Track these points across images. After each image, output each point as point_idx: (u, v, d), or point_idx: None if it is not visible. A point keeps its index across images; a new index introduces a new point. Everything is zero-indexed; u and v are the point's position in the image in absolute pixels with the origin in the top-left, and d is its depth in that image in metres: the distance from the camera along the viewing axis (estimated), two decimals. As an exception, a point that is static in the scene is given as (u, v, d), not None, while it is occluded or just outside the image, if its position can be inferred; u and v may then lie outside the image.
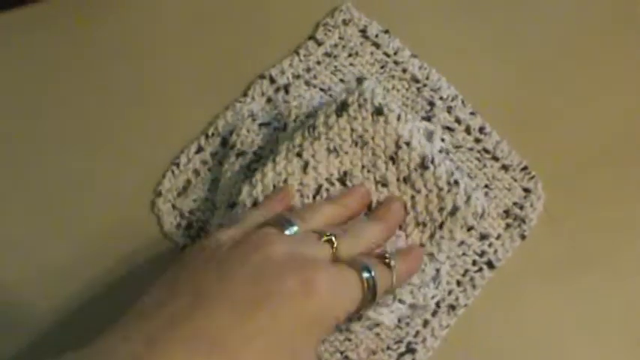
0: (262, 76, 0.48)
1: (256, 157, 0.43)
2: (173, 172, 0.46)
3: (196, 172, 0.46)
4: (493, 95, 0.48)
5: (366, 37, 0.49)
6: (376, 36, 0.49)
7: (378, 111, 0.39)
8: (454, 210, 0.39)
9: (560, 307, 0.43)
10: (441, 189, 0.39)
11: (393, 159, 0.39)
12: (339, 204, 0.38)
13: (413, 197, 0.39)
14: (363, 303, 0.34)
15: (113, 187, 0.46)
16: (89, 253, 0.44)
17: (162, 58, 0.50)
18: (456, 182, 0.39)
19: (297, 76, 0.48)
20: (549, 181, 0.45)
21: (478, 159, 0.46)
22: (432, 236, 0.40)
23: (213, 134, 0.46)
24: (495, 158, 0.46)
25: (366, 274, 0.34)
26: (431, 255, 0.40)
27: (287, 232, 0.34)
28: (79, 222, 0.45)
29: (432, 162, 0.39)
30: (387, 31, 0.49)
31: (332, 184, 0.39)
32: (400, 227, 0.40)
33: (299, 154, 0.39)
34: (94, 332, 0.41)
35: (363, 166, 0.40)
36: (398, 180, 0.39)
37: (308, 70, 0.48)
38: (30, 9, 0.51)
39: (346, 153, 0.39)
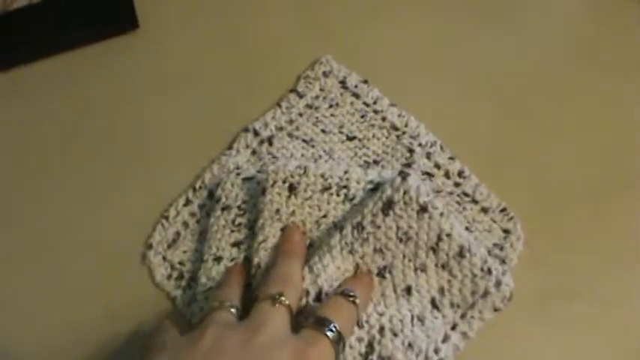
0: (246, 130, 0.50)
1: (241, 212, 0.44)
2: (163, 224, 0.47)
3: (185, 225, 0.47)
4: (471, 138, 0.50)
5: (346, 88, 0.51)
6: (355, 86, 0.51)
7: (423, 209, 0.40)
8: (485, 294, 0.41)
9: (545, 341, 0.43)
10: (475, 275, 0.41)
11: (434, 249, 0.41)
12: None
13: (449, 281, 0.41)
14: (336, 356, 0.37)
15: (105, 241, 0.47)
16: (81, 307, 0.45)
17: (149, 114, 0.51)
18: (489, 270, 0.41)
19: (280, 129, 0.49)
20: (529, 217, 0.47)
21: (458, 202, 0.47)
22: (463, 316, 0.42)
23: (200, 187, 0.48)
24: (475, 201, 0.47)
25: (331, 334, 0.36)
26: (464, 333, 0.42)
27: (233, 311, 0.38)
28: (71, 277, 0.46)
29: (469, 251, 0.41)
30: (366, 82, 0.51)
31: None
32: (436, 307, 0.41)
33: (351, 253, 0.41)
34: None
35: (404, 257, 0.41)
36: (436, 266, 0.41)
37: (290, 122, 0.50)
38: (18, 70, 0.53)
39: (389, 250, 0.41)
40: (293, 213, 0.42)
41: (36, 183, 0.49)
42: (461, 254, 0.41)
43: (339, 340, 0.36)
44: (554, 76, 0.52)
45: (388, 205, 0.40)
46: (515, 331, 0.44)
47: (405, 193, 0.40)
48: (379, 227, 0.40)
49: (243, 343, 0.34)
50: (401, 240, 0.41)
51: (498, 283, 0.41)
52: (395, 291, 0.41)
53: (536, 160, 0.49)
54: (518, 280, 0.43)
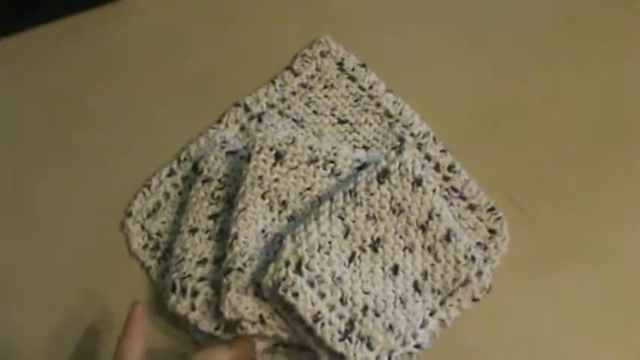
0: (237, 104, 0.49)
1: (221, 185, 0.44)
2: (144, 193, 0.47)
3: (167, 195, 0.46)
4: (464, 98, 0.50)
5: (343, 70, 0.50)
6: (352, 69, 0.50)
7: (418, 181, 0.40)
8: (466, 282, 0.41)
9: (536, 300, 0.43)
10: (458, 262, 0.41)
11: (424, 228, 0.41)
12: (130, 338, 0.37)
13: (433, 265, 0.41)
14: None
15: (85, 207, 0.47)
16: (56, 268, 0.45)
17: (138, 84, 0.51)
18: (473, 258, 0.41)
19: (272, 106, 0.49)
20: (521, 178, 0.47)
21: (445, 197, 0.46)
22: (442, 303, 0.41)
23: (185, 159, 0.47)
24: (463, 197, 0.46)
25: None
26: (442, 321, 0.41)
27: None
28: (48, 236, 0.46)
29: (455, 236, 0.41)
30: (363, 65, 0.50)
31: (364, 250, 0.40)
32: (418, 291, 0.40)
33: (341, 217, 0.40)
34: (60, 344, 0.41)
35: (395, 232, 0.41)
36: (423, 247, 0.41)
37: (283, 100, 0.49)
38: (11, 40, 0.53)
39: (382, 220, 0.40)
40: (276, 180, 0.42)
41: (22, 150, 0.49)
42: (447, 238, 0.40)
43: None
44: (548, 39, 0.52)
45: (383, 174, 0.40)
46: (507, 291, 0.43)
47: (400, 165, 0.40)
48: (373, 194, 0.40)
49: None
50: (394, 211, 0.40)
51: (479, 273, 0.41)
52: (383, 269, 0.40)
53: (528, 122, 0.49)
54: (510, 241, 0.44)
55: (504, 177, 0.47)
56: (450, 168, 0.46)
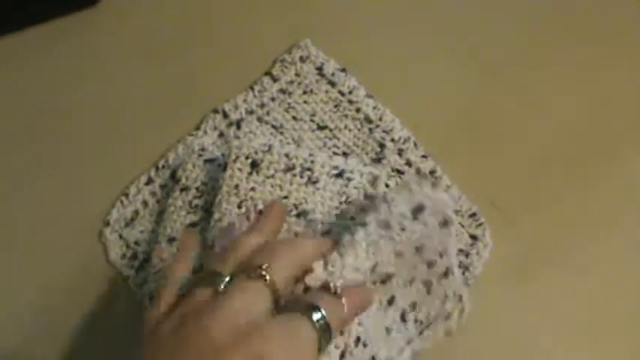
0: (216, 111, 0.48)
1: (199, 193, 0.43)
2: (122, 202, 0.46)
3: (145, 204, 0.46)
4: (447, 102, 0.49)
5: (322, 75, 0.49)
6: (332, 74, 0.49)
7: (446, 222, 0.37)
8: (447, 317, 0.40)
9: (520, 307, 0.43)
10: (447, 297, 0.39)
11: (431, 264, 0.38)
12: (256, 231, 0.38)
13: (422, 298, 0.39)
14: (320, 347, 0.33)
15: (62, 216, 0.46)
16: (34, 278, 0.44)
17: (114, 91, 0.50)
18: (460, 297, 0.39)
19: (251, 112, 0.48)
20: (504, 183, 0.46)
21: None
22: (421, 333, 0.40)
23: (163, 166, 0.47)
24: (445, 203, 0.45)
25: (316, 315, 0.32)
26: (416, 351, 0.40)
27: (221, 287, 0.33)
28: (25, 246, 0.45)
29: (453, 273, 0.39)
30: (343, 70, 0.49)
31: (373, 283, 0.38)
32: (404, 321, 0.39)
33: (374, 253, 0.37)
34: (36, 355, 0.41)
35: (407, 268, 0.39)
36: (421, 281, 0.39)
37: (262, 106, 0.48)
38: None
39: (402, 256, 0.38)
40: (253, 189, 0.41)
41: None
42: (445, 274, 0.39)
43: (326, 330, 0.33)
44: (529, 44, 0.52)
45: (418, 210, 0.37)
46: (490, 297, 0.43)
47: (434, 202, 0.37)
48: (404, 230, 0.37)
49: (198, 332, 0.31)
50: (417, 249, 0.38)
51: (462, 310, 0.39)
52: (381, 301, 0.38)
53: (513, 126, 0.49)
54: (492, 247, 0.44)
55: (486, 182, 0.46)
56: (432, 173, 0.46)
